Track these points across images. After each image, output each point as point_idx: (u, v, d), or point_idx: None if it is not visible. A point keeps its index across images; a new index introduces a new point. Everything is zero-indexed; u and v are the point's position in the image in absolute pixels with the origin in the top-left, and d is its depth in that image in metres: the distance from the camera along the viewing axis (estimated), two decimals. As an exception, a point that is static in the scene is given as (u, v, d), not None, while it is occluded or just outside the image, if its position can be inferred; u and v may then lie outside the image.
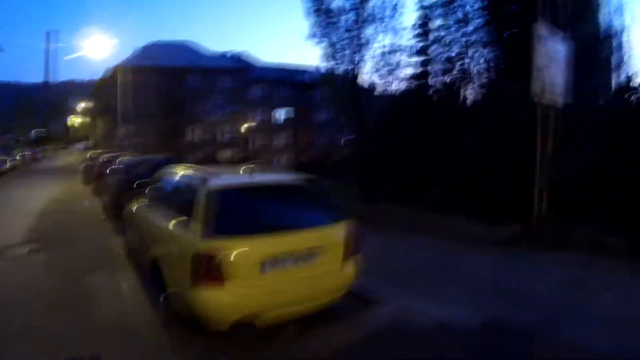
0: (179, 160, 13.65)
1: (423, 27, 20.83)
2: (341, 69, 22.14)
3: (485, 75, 17.52)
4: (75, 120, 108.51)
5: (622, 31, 18.79)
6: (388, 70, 21.73)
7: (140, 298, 7.07)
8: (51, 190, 24.02)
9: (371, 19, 21.64)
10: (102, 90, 63.68)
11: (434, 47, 20.25)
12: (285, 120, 65.70)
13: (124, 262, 8.95)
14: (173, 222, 6.23)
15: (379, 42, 22.33)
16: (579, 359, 5.21)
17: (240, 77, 59.96)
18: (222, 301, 5.16)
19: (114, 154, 24.02)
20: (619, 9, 18.48)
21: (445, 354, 5.48)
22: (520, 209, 11.18)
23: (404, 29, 21.22)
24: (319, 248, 5.73)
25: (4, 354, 5.33)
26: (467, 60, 18.36)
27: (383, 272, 7.90)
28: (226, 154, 52.34)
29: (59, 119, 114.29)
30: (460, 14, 18.35)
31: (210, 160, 41.40)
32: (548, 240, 9.80)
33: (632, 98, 12.78)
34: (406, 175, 16.45)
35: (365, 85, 23.32)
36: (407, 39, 21.12)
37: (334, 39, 21.96)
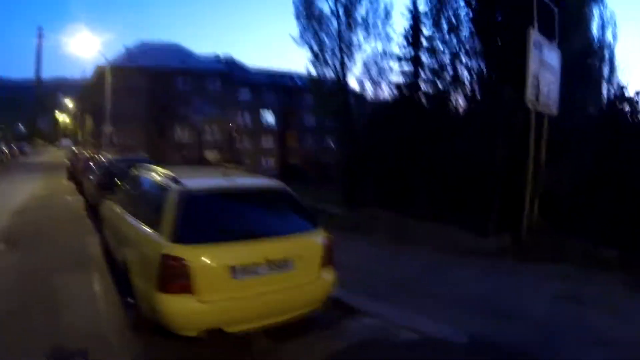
0: (160, 160, 13.42)
1: (414, 35, 20.59)
2: (330, 72, 21.96)
3: (476, 83, 17.30)
4: (63, 117, 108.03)
5: (613, 43, 18.84)
6: (378, 76, 21.54)
7: (112, 300, 6.67)
8: (34, 186, 23.50)
9: (362, 25, 21.47)
10: (90, 89, 63.33)
11: (424, 54, 20.05)
12: (273, 123, 65.60)
13: (100, 262, 8.51)
14: (141, 224, 5.92)
15: (371, 47, 22.18)
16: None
17: (228, 80, 60.35)
18: (188, 309, 4.82)
19: (98, 152, 23.83)
20: (610, 22, 18.55)
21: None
22: (510, 218, 10.88)
23: (396, 34, 21.10)
24: (294, 256, 5.41)
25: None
26: (457, 68, 18.17)
27: (365, 282, 7.62)
28: (212, 155, 52.04)
29: (47, 116, 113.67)
30: (450, 23, 18.16)
31: (195, 161, 41.08)
32: (538, 252, 9.53)
33: (626, 108, 12.51)
34: (393, 181, 16.16)
35: (355, 90, 23.18)
36: (398, 44, 20.90)
37: (324, 43, 21.78)
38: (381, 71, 21.66)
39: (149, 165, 7.83)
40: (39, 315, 6.16)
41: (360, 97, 23.34)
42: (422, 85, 19.96)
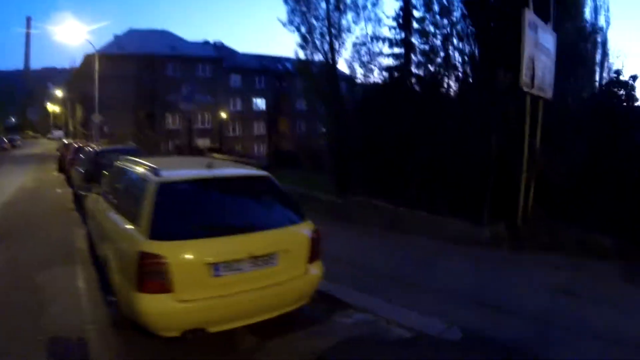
0: (151, 150, 13.22)
1: (404, 17, 20.25)
2: (319, 56, 21.60)
3: (468, 66, 17.05)
4: (54, 107, 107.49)
5: (606, 27, 18.63)
6: (369, 59, 21.19)
7: (95, 296, 6.43)
8: (23, 179, 23.57)
9: (352, 7, 21.10)
10: (79, 78, 62.86)
11: (415, 37, 19.73)
12: (264, 109, 65.11)
13: (85, 256, 8.29)
14: (120, 218, 5.67)
15: (361, 30, 21.83)
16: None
17: (219, 66, 60.01)
18: (167, 309, 4.56)
19: (86, 142, 23.73)
20: (603, 6, 18.33)
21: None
22: (505, 206, 10.65)
23: (387, 17, 20.70)
24: (280, 251, 5.13)
25: None
26: (449, 51, 17.90)
27: (356, 274, 7.44)
28: (203, 143, 51.72)
29: (38, 106, 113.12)
30: (442, 4, 17.85)
31: (186, 149, 40.79)
32: (534, 241, 9.33)
33: (621, 92, 12.32)
34: (384, 167, 15.90)
35: (345, 74, 22.85)
36: (389, 26, 20.51)
37: (312, 25, 21.40)
38: (372, 54, 21.25)
39: (130, 156, 7.56)
40: (18, 311, 6.02)
41: (350, 80, 23.00)
42: (414, 69, 19.69)
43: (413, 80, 19.38)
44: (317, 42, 21.37)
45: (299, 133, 60.35)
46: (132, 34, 56.72)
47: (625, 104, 12.42)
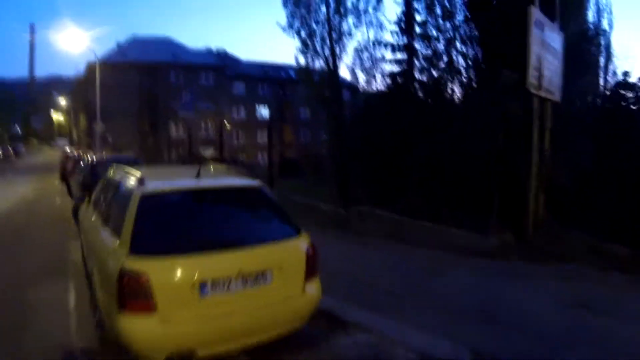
0: (154, 159, 13.05)
1: (407, 21, 20.01)
2: (320, 61, 21.40)
3: (472, 70, 16.80)
4: (58, 116, 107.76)
5: (609, 31, 18.43)
6: (371, 65, 20.95)
7: (84, 312, 6.10)
8: (24, 189, 23.58)
9: (353, 11, 20.93)
10: (83, 86, 62.90)
11: (418, 42, 19.50)
12: (267, 117, 64.73)
13: (79, 269, 7.96)
14: (105, 231, 5.36)
15: (362, 34, 21.64)
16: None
17: (221, 74, 60.04)
18: (151, 331, 4.20)
19: (86, 151, 23.70)
20: (606, 9, 18.16)
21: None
22: (512, 215, 10.25)
23: (389, 21, 20.54)
24: (273, 267, 4.77)
25: None
26: (452, 55, 17.67)
27: (358, 290, 7.09)
28: (206, 151, 51.46)
29: (42, 115, 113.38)
30: (444, 8, 17.63)
31: (189, 158, 40.61)
32: (544, 250, 8.91)
33: (630, 95, 12.05)
34: (387, 176, 15.62)
35: (346, 80, 22.65)
36: (391, 31, 20.29)
37: (313, 30, 21.24)
38: (374, 60, 21.06)
39: (122, 165, 7.25)
40: (4, 327, 5.79)
41: (352, 87, 22.81)
42: (417, 74, 19.44)
43: (416, 85, 19.17)
44: (318, 47, 21.24)
45: (303, 141, 60.16)
46: (135, 41, 57.15)
47: (634, 106, 12.16)
